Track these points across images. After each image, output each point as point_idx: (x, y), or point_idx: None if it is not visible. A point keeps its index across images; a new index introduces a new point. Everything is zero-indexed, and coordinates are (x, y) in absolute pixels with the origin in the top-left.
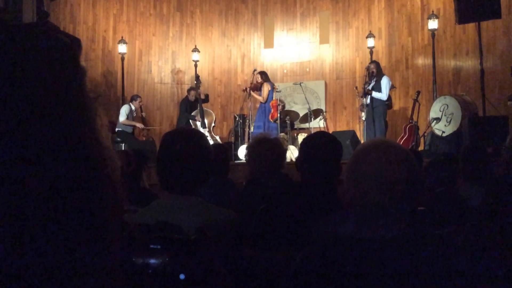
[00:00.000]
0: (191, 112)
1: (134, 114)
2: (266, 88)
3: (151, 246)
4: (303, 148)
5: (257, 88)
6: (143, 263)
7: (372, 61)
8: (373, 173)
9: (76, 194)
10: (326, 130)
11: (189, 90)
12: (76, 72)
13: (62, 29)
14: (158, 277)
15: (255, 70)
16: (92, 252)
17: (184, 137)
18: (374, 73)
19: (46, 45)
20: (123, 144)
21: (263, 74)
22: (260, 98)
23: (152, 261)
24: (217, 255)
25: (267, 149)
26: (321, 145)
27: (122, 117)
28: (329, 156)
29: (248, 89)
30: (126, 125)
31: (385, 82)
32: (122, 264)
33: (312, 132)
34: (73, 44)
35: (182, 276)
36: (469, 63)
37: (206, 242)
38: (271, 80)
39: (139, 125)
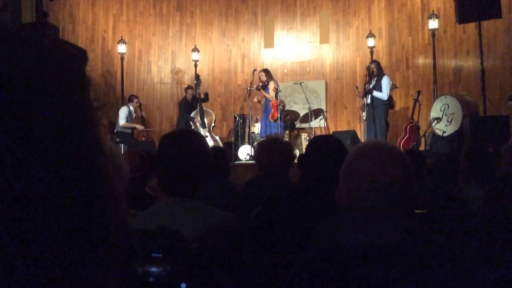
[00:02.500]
0: (190, 112)
1: (134, 115)
2: (273, 85)
3: (153, 254)
4: (311, 147)
5: (264, 86)
6: (144, 271)
7: (372, 61)
8: (367, 175)
9: (79, 207)
10: (326, 130)
11: (186, 89)
12: (82, 83)
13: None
14: (159, 286)
15: (255, 70)
16: (94, 265)
17: (181, 140)
18: (375, 72)
19: (52, 57)
20: (122, 145)
21: (267, 72)
22: (268, 96)
23: (153, 269)
24: (219, 262)
25: (278, 151)
26: (329, 149)
27: (122, 121)
28: (334, 162)
29: (258, 86)
30: (127, 127)
31: (385, 82)
32: (124, 273)
33: (321, 133)
34: (79, 56)
35: (183, 285)
36: (470, 63)
37: (208, 250)
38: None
39: (139, 126)
